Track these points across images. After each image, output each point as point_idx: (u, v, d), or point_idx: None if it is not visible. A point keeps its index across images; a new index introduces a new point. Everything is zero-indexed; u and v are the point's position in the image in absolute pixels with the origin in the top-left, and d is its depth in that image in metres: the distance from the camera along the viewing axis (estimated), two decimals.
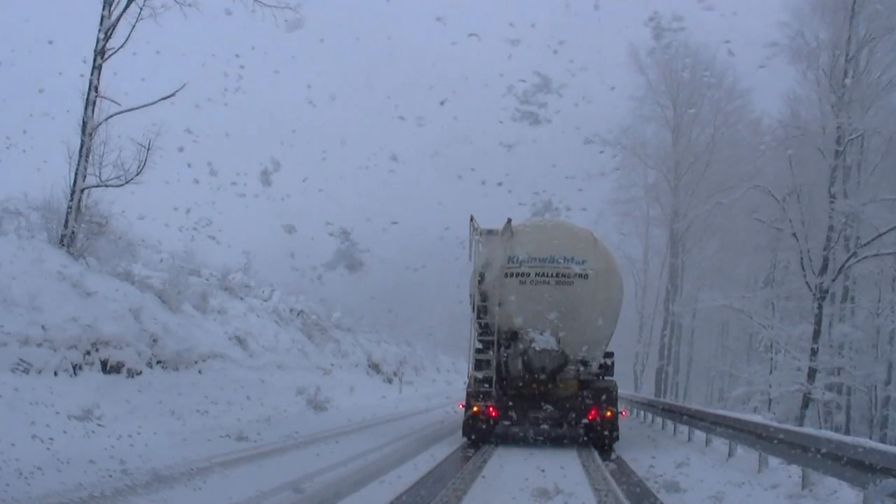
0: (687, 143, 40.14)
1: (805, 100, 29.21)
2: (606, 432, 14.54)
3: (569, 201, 15.82)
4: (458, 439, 14.98)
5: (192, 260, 26.27)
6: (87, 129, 16.64)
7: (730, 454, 12.23)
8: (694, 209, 39.03)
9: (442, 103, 14.35)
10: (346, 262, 15.25)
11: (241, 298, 27.49)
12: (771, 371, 27.52)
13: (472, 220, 15.79)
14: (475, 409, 14.61)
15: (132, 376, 14.18)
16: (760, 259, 38.07)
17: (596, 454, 13.81)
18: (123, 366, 14.07)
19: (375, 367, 35.27)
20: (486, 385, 14.80)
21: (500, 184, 14.39)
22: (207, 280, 26.32)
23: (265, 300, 29.09)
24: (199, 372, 17.35)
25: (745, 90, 39.59)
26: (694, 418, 14.86)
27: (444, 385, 47.01)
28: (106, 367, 13.68)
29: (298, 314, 29.23)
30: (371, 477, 10.06)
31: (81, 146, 16.64)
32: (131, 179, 16.36)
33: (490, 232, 15.59)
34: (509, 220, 15.53)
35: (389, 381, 35.68)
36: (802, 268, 22.13)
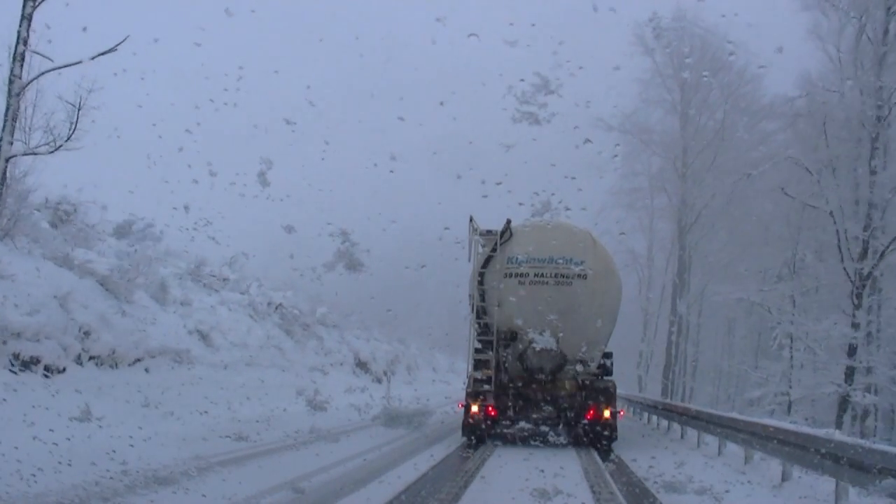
0: (695, 129, 37.80)
1: (823, 78, 27.01)
2: (605, 432, 14.51)
3: (568, 201, 15.88)
4: (457, 440, 14.76)
5: (176, 254, 24.38)
6: (13, 89, 14.31)
7: (784, 478, 9.71)
8: (703, 198, 36.87)
9: (442, 104, 14.65)
10: (346, 262, 14.24)
11: (217, 291, 25.38)
12: (791, 371, 25.23)
13: (471, 220, 15.64)
14: (474, 409, 14.56)
15: (50, 374, 11.88)
16: (774, 251, 35.91)
17: (595, 454, 13.57)
18: (39, 361, 11.77)
19: (363, 367, 33.01)
20: (486, 385, 14.76)
21: (499, 183, 14.47)
22: (178, 270, 24.24)
23: (242, 293, 26.89)
24: (146, 370, 15.07)
25: (757, 74, 37.32)
26: (732, 429, 12.12)
27: (442, 385, 44.85)
28: (16, 363, 11.38)
29: (277, 308, 26.93)
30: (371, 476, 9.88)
31: (7, 108, 14.32)
32: (61, 146, 14.02)
33: (489, 232, 15.59)
34: (508, 221, 15.47)
35: (379, 380, 33.40)
36: (840, 252, 19.75)
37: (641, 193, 41.76)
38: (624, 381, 42.12)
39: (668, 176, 38.64)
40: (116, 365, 14.16)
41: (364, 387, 29.62)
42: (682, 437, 16.36)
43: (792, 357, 25.06)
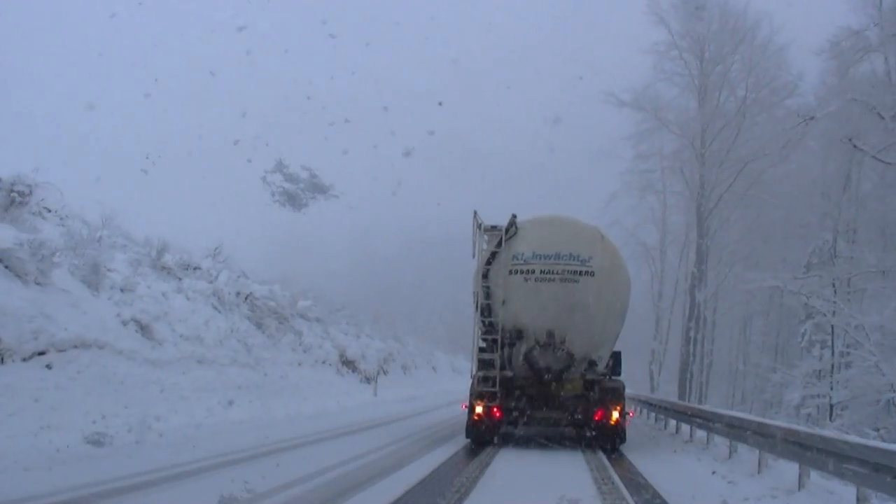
0: (715, 107, 34.57)
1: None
2: (614, 434, 14.12)
3: (572, 201, 14.88)
4: (454, 446, 13.80)
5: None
6: None
7: None
8: (724, 181, 33.71)
9: (440, 103, 14.83)
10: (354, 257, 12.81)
11: (180, 279, 22.42)
12: (832, 371, 22.10)
13: (475, 215, 15.16)
14: (479, 410, 14.07)
15: None
16: (800, 238, 32.92)
17: (604, 457, 13.00)
18: None
19: (350, 365, 29.87)
20: (490, 385, 14.22)
21: (502, 186, 14.62)
22: (138, 255, 21.40)
23: (210, 282, 23.89)
24: (48, 367, 11.99)
25: (783, 45, 34.17)
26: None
27: (440, 385, 42.10)
28: None
29: (247, 298, 23.85)
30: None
31: None
32: None
33: (494, 228, 15.07)
34: (514, 216, 15.00)
35: (368, 381, 30.33)
36: None
37: (654, 178, 38.62)
38: (636, 381, 39.12)
39: (685, 157, 35.40)
40: (2, 360, 11.09)
41: (350, 388, 26.69)
42: (729, 455, 12.99)
43: (833, 355, 21.95)
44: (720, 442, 13.47)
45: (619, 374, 15.80)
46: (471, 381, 14.94)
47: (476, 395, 14.17)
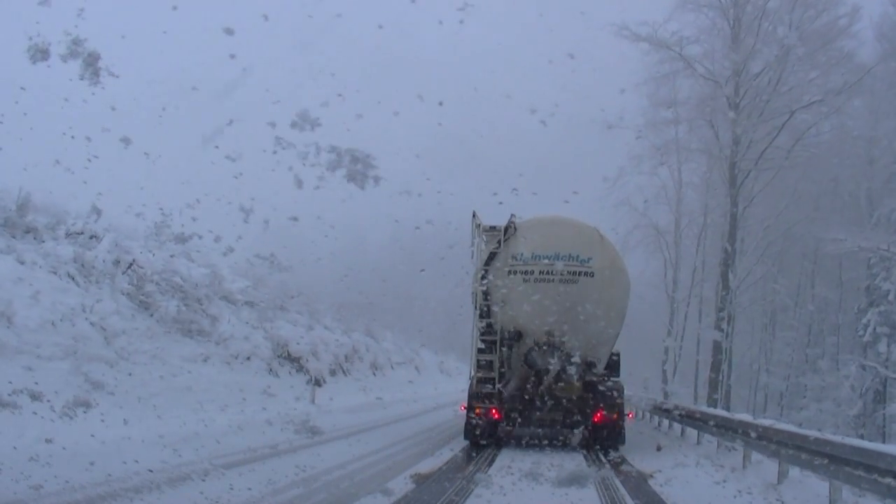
0: (752, 46, 28.17)
1: None
2: (614, 435, 14.22)
3: (571, 201, 15.53)
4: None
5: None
6: None
7: None
8: (764, 137, 27.40)
9: (441, 103, 14.65)
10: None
11: (43, 241, 16.42)
12: None
13: (474, 216, 15.29)
14: (477, 410, 14.22)
15: None
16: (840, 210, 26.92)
17: (606, 460, 12.70)
18: None
19: (295, 363, 23.43)
20: (489, 386, 14.35)
21: (514, 190, 14.50)
22: None
23: (91, 249, 17.59)
24: None
25: None
26: None
27: (423, 388, 35.91)
28: None
29: (129, 268, 17.37)
30: None
31: None
32: None
33: (493, 228, 15.04)
34: (513, 216, 14.96)
35: (318, 382, 23.77)
36: None
37: (672, 136, 32.25)
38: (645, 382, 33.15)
39: (715, 107, 28.89)
40: None
41: (285, 392, 20.12)
42: None
43: None
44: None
45: (618, 374, 15.98)
46: (469, 382, 14.94)
47: (475, 397, 14.26)
